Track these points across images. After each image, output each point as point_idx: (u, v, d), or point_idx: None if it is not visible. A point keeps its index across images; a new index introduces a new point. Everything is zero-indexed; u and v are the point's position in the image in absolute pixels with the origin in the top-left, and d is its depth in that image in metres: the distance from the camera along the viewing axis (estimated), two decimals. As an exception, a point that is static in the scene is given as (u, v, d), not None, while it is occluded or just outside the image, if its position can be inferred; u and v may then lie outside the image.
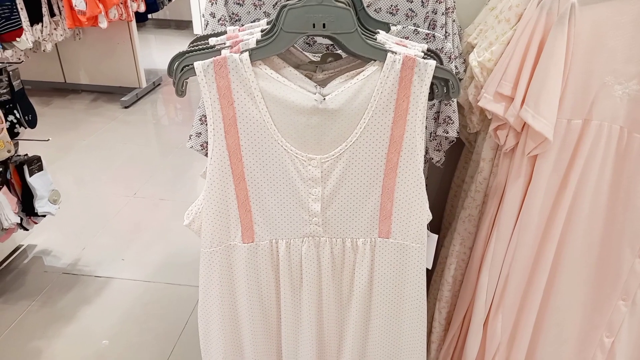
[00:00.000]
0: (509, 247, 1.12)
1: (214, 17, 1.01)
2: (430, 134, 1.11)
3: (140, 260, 2.25)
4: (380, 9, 1.02)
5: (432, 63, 0.80)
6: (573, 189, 1.04)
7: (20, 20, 1.96)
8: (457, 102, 1.14)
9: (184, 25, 5.97)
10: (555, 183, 1.05)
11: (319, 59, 0.95)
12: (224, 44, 0.84)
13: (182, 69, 0.82)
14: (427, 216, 0.91)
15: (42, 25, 3.07)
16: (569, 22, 0.92)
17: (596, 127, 1.00)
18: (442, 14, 1.03)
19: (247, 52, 0.80)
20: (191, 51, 0.84)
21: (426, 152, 1.12)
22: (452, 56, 1.04)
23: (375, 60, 0.81)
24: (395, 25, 0.96)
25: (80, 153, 3.21)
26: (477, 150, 1.22)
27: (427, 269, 0.97)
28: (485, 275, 1.17)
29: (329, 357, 1.02)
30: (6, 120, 1.81)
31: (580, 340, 1.19)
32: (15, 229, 1.96)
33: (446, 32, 1.05)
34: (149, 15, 4.81)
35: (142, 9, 3.76)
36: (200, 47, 0.86)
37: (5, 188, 1.84)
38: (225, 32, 0.88)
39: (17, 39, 1.94)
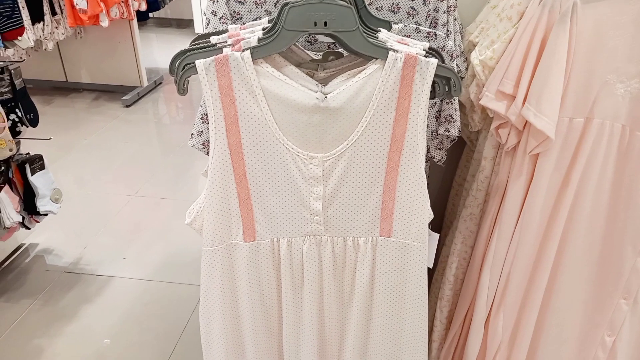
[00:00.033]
0: (510, 246, 1.12)
1: (215, 15, 1.01)
2: (432, 132, 1.11)
3: (142, 259, 2.25)
4: (381, 7, 1.02)
5: (434, 61, 0.80)
6: (575, 187, 1.04)
7: (22, 19, 1.96)
8: (459, 100, 1.13)
9: (185, 24, 5.97)
10: (557, 181, 1.05)
11: (320, 57, 0.95)
12: (226, 42, 0.84)
13: (184, 68, 0.82)
14: (429, 215, 0.91)
15: (44, 24, 3.08)
16: (571, 21, 0.92)
17: (598, 125, 0.99)
18: (444, 12, 1.03)
19: (249, 51, 0.80)
20: (193, 49, 0.84)
21: (427, 150, 1.12)
22: (454, 54, 1.04)
23: (376, 59, 0.81)
24: (397, 24, 0.96)
25: (82, 152, 3.21)
26: (479, 148, 1.22)
27: (429, 268, 0.97)
28: (486, 274, 1.17)
29: (330, 355, 1.02)
30: (8, 119, 1.81)
31: (581, 339, 1.18)
32: (17, 227, 1.96)
33: (448, 30, 1.05)
34: (150, 14, 4.82)
35: (144, 7, 3.76)
36: (202, 45, 0.86)
37: (7, 187, 1.85)
38: (226, 31, 0.88)
39: (19, 37, 1.94)
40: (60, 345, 1.79)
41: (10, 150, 1.78)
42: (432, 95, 0.84)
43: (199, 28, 5.20)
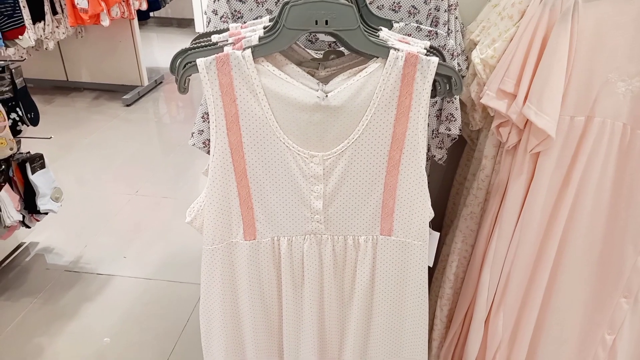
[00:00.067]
0: (510, 245, 1.12)
1: (216, 14, 1.01)
2: (433, 131, 1.11)
3: (142, 258, 2.25)
4: (382, 6, 1.02)
5: (435, 60, 0.80)
6: (575, 186, 1.04)
7: (23, 18, 1.96)
8: (460, 99, 1.13)
9: (186, 23, 5.97)
10: (558, 180, 1.05)
11: (321, 56, 0.95)
12: (227, 41, 0.84)
13: (185, 66, 0.82)
14: (429, 214, 0.91)
15: (45, 24, 3.08)
16: (572, 19, 0.92)
17: (599, 124, 0.99)
18: (445, 11, 1.03)
19: (250, 49, 0.80)
20: (194, 48, 0.84)
21: (428, 149, 1.12)
22: (455, 53, 1.04)
23: (377, 57, 0.81)
24: (398, 23, 0.96)
25: (82, 151, 3.21)
26: (479, 147, 1.22)
27: (429, 267, 0.97)
28: (486, 273, 1.17)
29: (331, 354, 1.02)
30: (8, 118, 1.81)
31: (581, 338, 1.18)
32: (17, 226, 1.96)
33: (449, 29, 1.05)
34: (151, 14, 4.83)
35: (144, 7, 3.76)
36: (203, 44, 0.86)
37: (7, 186, 1.85)
38: (227, 29, 0.88)
39: (20, 36, 1.93)
40: (60, 344, 1.79)
41: (11, 149, 1.78)
42: (433, 94, 0.84)
43: (200, 27, 5.20)
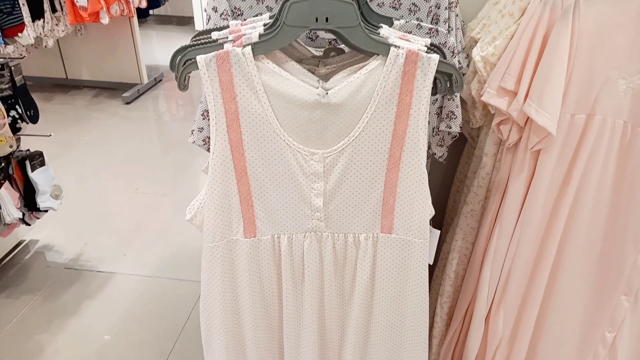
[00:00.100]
0: (511, 243, 1.12)
1: (216, 11, 1.01)
2: (433, 129, 1.11)
3: (142, 255, 2.25)
4: (383, 3, 1.02)
5: (436, 57, 0.80)
6: (576, 184, 1.04)
7: (22, 15, 1.96)
8: (460, 97, 1.13)
9: (185, 21, 5.96)
10: (558, 178, 1.05)
11: (321, 53, 0.95)
12: (227, 38, 0.84)
13: (185, 63, 0.82)
14: (430, 211, 0.91)
15: (44, 21, 3.08)
16: (573, 17, 0.92)
17: (600, 121, 0.99)
18: (445, 9, 1.03)
19: (250, 46, 0.80)
20: (194, 45, 0.84)
21: (429, 147, 1.12)
22: (455, 51, 1.04)
23: (378, 55, 0.81)
24: (398, 20, 0.96)
25: (82, 149, 3.21)
26: (480, 145, 1.22)
27: (429, 264, 0.97)
28: (487, 271, 1.17)
29: (331, 352, 1.02)
30: (8, 116, 1.81)
31: (582, 336, 1.18)
32: (17, 224, 1.96)
33: (449, 26, 1.05)
34: (151, 11, 4.82)
35: (144, 4, 3.75)
36: (203, 41, 0.85)
37: (7, 183, 1.85)
38: (227, 27, 0.87)
39: (19, 34, 1.93)
40: (60, 342, 1.79)
41: (11, 146, 1.78)
42: (434, 91, 0.84)
43: (200, 25, 5.20)
